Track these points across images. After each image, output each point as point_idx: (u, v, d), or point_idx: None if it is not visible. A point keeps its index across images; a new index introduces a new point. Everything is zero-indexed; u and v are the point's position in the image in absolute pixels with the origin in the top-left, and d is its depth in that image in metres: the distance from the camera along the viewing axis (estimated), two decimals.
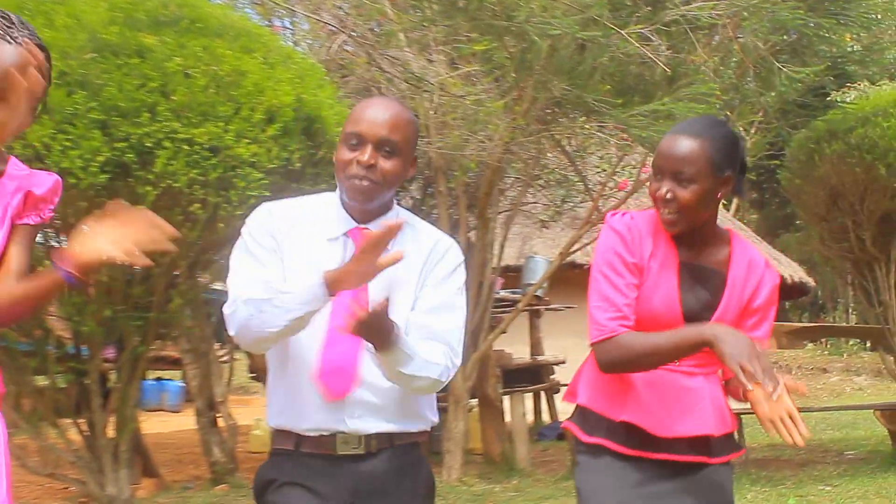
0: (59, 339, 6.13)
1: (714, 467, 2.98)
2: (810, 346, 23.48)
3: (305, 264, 2.70)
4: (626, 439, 2.91)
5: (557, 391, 12.62)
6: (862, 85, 14.71)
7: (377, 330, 2.52)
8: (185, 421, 13.32)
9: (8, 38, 2.35)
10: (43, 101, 2.46)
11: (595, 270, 2.95)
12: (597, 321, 2.89)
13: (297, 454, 2.75)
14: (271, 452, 2.83)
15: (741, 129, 10.34)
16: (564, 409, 10.55)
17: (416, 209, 11.73)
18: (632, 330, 2.86)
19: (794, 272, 19.02)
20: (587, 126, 9.25)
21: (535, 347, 12.47)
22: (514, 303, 10.71)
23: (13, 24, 2.38)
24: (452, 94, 8.06)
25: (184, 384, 15.99)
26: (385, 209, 2.84)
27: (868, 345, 20.70)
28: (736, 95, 8.71)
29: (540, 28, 6.94)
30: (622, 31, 7.03)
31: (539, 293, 11.23)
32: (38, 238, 4.56)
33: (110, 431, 6.23)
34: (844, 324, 25.55)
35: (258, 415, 11.25)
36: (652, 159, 2.96)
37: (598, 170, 11.92)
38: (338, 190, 2.82)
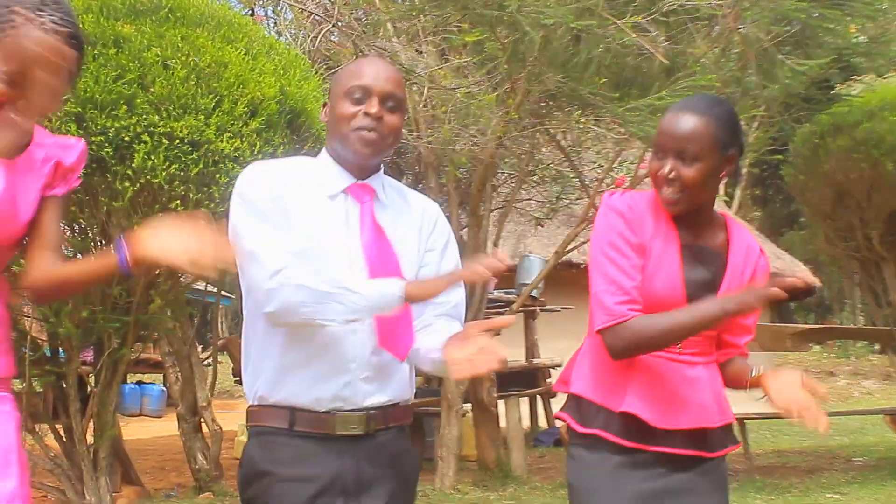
0: (35, 341, 6.11)
1: (712, 463, 2.98)
2: (816, 348, 23.53)
3: (310, 223, 2.71)
4: (624, 431, 2.90)
5: (554, 395, 12.63)
6: (868, 78, 14.74)
7: None
8: (167, 426, 13.33)
9: (35, 20, 2.36)
10: (72, 84, 2.51)
11: (597, 252, 2.94)
12: (606, 306, 2.88)
13: (289, 434, 2.72)
14: (257, 432, 2.78)
15: (743, 123, 10.34)
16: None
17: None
18: (640, 312, 2.86)
19: (800, 272, 19.04)
20: (583, 120, 9.25)
21: (531, 350, 12.47)
22: (509, 304, 10.72)
23: (43, 5, 2.38)
24: (443, 86, 8.07)
25: (165, 388, 16.01)
26: (376, 168, 2.86)
27: (876, 347, 20.76)
28: (737, 88, 8.71)
29: (533, 18, 6.94)
30: (619, 22, 7.04)
31: (534, 294, 11.24)
32: None
33: (89, 437, 6.21)
34: (852, 325, 25.58)
35: (243, 420, 11.25)
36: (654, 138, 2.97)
37: (595, 165, 11.93)
38: (326, 151, 2.85)
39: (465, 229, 10.16)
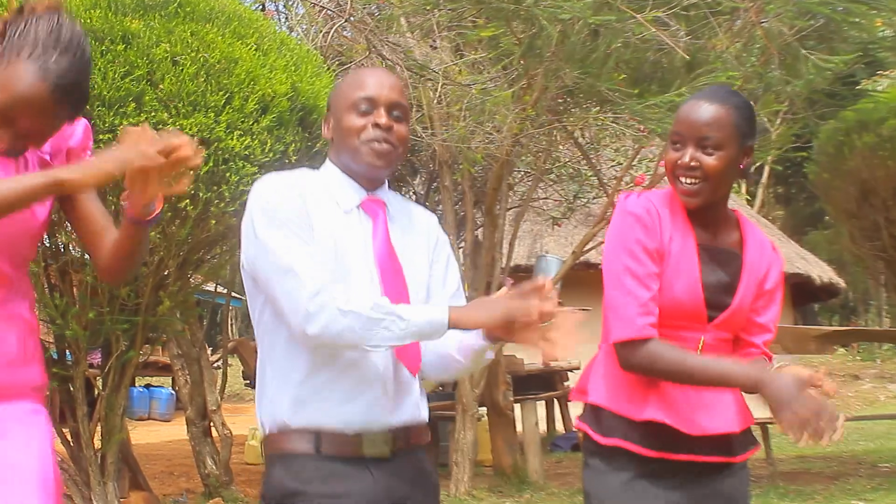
0: (42, 343, 6.13)
1: (735, 469, 2.97)
2: (841, 351, 23.47)
3: (332, 238, 2.71)
4: (646, 440, 2.88)
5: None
6: (894, 73, 14.70)
7: None
8: (176, 430, 13.38)
9: (38, 60, 2.39)
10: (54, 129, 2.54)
11: (613, 259, 2.93)
12: (622, 317, 2.87)
13: (316, 457, 2.70)
14: (281, 456, 2.76)
15: (765, 119, 10.32)
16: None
17: (419, 204, 11.75)
18: (656, 326, 2.85)
19: (823, 272, 19.00)
20: (601, 117, 9.24)
21: None
22: None
23: (54, 48, 2.41)
24: (458, 82, 8.07)
25: (174, 391, 16.06)
26: (382, 180, 2.87)
27: None
28: (760, 84, 8.68)
29: (550, 12, 6.93)
30: (638, 16, 7.01)
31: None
32: None
33: (97, 442, 6.23)
34: (877, 327, 25.51)
35: (254, 424, 11.27)
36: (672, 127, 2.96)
37: (613, 163, 11.92)
38: (332, 164, 2.85)
39: (481, 229, 10.16)
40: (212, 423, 9.19)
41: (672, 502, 2.91)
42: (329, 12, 8.98)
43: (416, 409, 2.84)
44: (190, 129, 5.32)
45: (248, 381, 13.91)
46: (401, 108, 2.80)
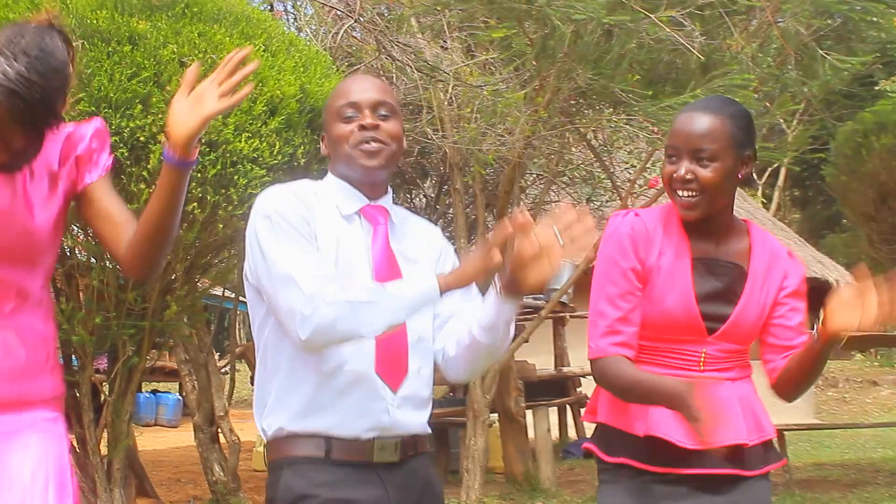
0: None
1: (751, 482, 2.95)
2: (859, 356, 23.40)
3: (334, 246, 2.74)
4: (651, 456, 2.89)
5: (584, 405, 12.59)
6: None
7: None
8: (183, 437, 13.39)
9: None
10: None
11: (593, 281, 3.01)
12: (591, 338, 2.96)
13: (326, 462, 2.72)
14: (289, 462, 2.77)
15: (781, 121, 10.30)
16: (591, 425, 10.49)
17: (430, 208, 11.75)
18: (627, 344, 2.89)
19: (841, 276, 18.94)
20: (614, 118, 9.22)
21: (560, 358, 12.45)
22: (537, 310, 10.69)
23: (14, 49, 2.38)
24: (469, 84, 8.07)
25: (181, 397, 16.08)
26: (386, 188, 2.92)
27: None
28: (776, 85, 8.67)
29: (563, 12, 6.93)
30: (652, 16, 7.01)
31: (564, 299, 11.23)
32: None
33: (103, 448, 6.24)
34: None
35: None
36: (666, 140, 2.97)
37: (627, 166, 11.91)
38: (331, 175, 2.90)
39: (492, 232, 10.15)
40: (219, 430, 9.20)
41: None
42: (338, 13, 8.98)
43: (424, 415, 2.86)
44: None
45: None
46: (386, 105, 2.84)
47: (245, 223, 2.82)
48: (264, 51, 5.84)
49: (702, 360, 2.91)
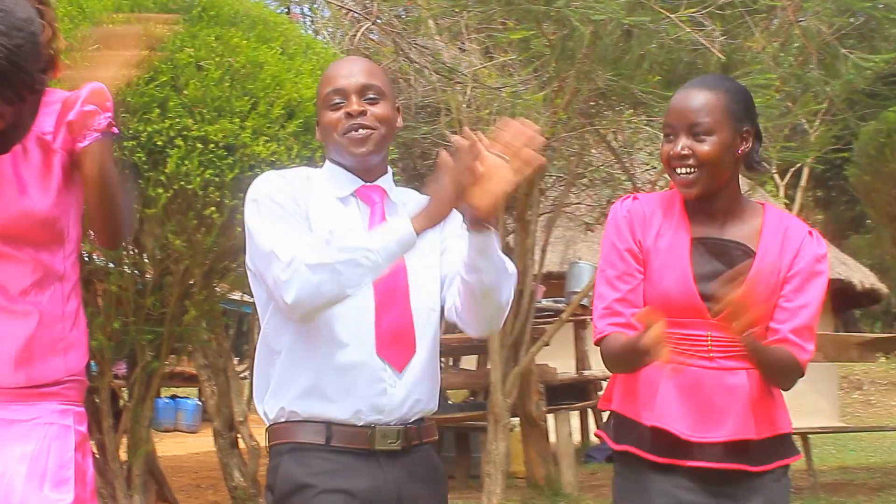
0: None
1: (761, 480, 2.91)
2: (883, 359, 23.27)
3: (327, 226, 2.76)
4: (655, 446, 2.89)
5: None
6: None
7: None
8: (203, 442, 13.41)
9: None
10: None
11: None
12: (593, 320, 2.99)
13: (326, 449, 2.73)
14: (290, 448, 2.77)
15: (804, 121, 10.26)
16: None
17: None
18: (627, 325, 2.89)
19: (865, 278, 18.87)
20: (634, 119, 9.21)
21: (581, 361, 12.43)
22: (558, 313, 10.69)
23: None
24: (487, 85, 8.05)
25: (200, 402, 16.09)
26: (384, 169, 2.92)
27: None
28: (798, 84, 8.64)
29: (582, 13, 6.92)
30: (672, 16, 7.00)
31: (584, 302, 11.19)
32: None
33: (122, 454, 6.26)
34: None
35: None
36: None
37: (647, 167, 11.86)
38: (328, 159, 2.92)
39: (512, 235, 10.14)
40: (239, 435, 9.21)
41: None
42: (355, 14, 8.98)
43: (429, 401, 2.85)
44: (215, 135, 5.34)
45: None
46: (373, 88, 2.83)
47: (251, 192, 2.86)
48: (281, 54, 5.85)
49: (709, 345, 2.88)
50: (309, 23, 10.94)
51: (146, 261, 5.82)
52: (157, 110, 5.27)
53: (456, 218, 2.90)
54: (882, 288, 19.41)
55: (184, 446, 14.83)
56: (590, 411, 13.26)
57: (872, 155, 9.85)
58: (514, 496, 9.59)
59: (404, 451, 2.77)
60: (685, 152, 2.84)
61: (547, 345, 9.60)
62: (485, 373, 10.31)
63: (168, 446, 13.96)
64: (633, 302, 2.93)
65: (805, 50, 8.13)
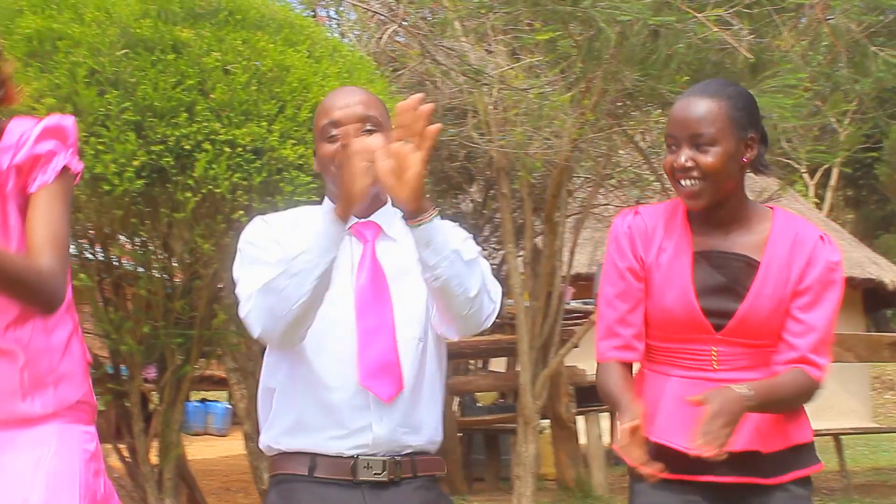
0: (97, 358, 6.19)
1: (776, 491, 2.86)
2: None
3: None
4: (662, 462, 2.81)
5: None
6: None
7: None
8: (233, 445, 13.45)
9: None
10: None
11: None
12: (596, 341, 2.99)
13: (309, 481, 2.75)
14: (277, 480, 2.83)
15: (833, 120, 10.21)
16: None
17: (477, 213, 11.74)
18: (626, 346, 2.90)
19: None
20: (662, 120, 9.16)
21: None
22: (587, 314, 10.66)
23: None
24: (514, 87, 8.04)
25: (230, 406, 16.13)
26: (382, 200, 2.90)
27: None
28: (827, 83, 8.59)
29: (608, 13, 6.90)
30: (699, 15, 6.97)
31: None
32: (71, 249, 4.61)
33: (153, 457, 6.28)
34: None
35: None
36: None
37: None
38: (326, 194, 2.93)
39: (540, 237, 10.12)
40: None
41: None
42: (381, 17, 8.99)
43: (427, 435, 2.84)
44: (243, 139, 5.34)
45: None
46: (370, 119, 2.82)
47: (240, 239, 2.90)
48: (308, 57, 5.85)
49: (714, 358, 2.85)
50: (335, 26, 10.95)
51: (175, 265, 5.83)
52: (185, 114, 5.27)
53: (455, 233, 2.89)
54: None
55: (214, 450, 14.87)
56: None
57: None
58: (545, 498, 9.58)
59: (393, 484, 2.75)
60: (689, 164, 2.79)
61: (576, 346, 9.57)
62: (514, 375, 10.31)
63: (198, 450, 14.00)
64: (631, 322, 2.91)
65: (834, 48, 8.10)
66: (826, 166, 23.58)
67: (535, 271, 9.91)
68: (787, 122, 7.72)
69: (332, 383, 2.74)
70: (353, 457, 2.73)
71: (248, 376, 9.19)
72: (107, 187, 5.03)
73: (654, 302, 2.89)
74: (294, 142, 5.52)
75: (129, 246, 5.81)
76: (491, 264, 13.18)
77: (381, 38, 8.99)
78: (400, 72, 8.97)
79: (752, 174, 3.02)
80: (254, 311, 2.66)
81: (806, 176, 17.90)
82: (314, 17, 10.02)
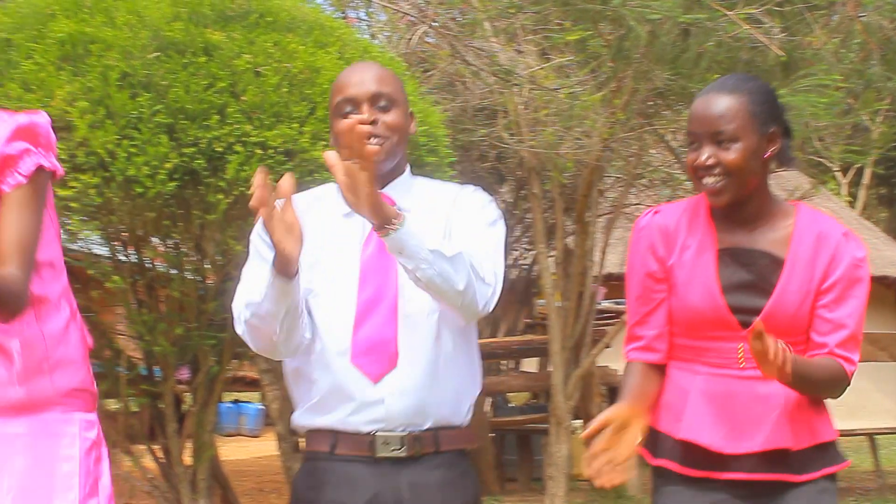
0: (130, 359, 6.22)
1: (803, 489, 2.84)
2: None
3: (319, 240, 2.80)
4: (688, 459, 2.84)
5: None
6: None
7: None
8: (266, 446, 13.50)
9: None
10: None
11: None
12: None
13: (332, 458, 2.78)
14: (305, 458, 2.90)
15: (865, 118, 10.13)
16: None
17: (508, 213, 11.73)
18: (648, 347, 2.93)
19: None
20: None
21: None
22: (619, 314, 10.62)
23: None
24: (545, 87, 8.03)
25: (263, 407, 16.19)
26: (398, 171, 2.90)
27: None
28: (859, 81, 8.53)
29: (638, 12, 6.88)
30: (730, 13, 6.94)
31: None
32: (104, 251, 4.64)
33: (187, 458, 6.30)
34: None
35: None
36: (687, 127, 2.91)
37: None
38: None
39: (571, 237, 10.11)
40: (301, 439, 9.24)
41: None
42: (411, 18, 9.00)
43: (449, 410, 2.83)
44: (274, 141, 5.35)
45: None
46: (384, 97, 2.82)
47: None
48: (339, 58, 5.85)
49: (741, 356, 2.83)
50: (365, 27, 10.97)
51: (207, 266, 5.85)
52: (217, 117, 5.28)
53: (465, 201, 2.90)
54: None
55: (247, 450, 14.94)
56: None
57: None
58: (577, 499, 9.56)
59: (413, 459, 2.76)
60: (710, 162, 2.78)
61: (608, 346, 9.55)
62: (546, 375, 10.29)
63: (231, 451, 14.06)
64: (652, 324, 2.93)
65: (866, 45, 8.03)
66: (858, 165, 23.44)
67: (567, 271, 9.90)
68: (819, 120, 7.68)
69: (335, 362, 2.78)
70: (370, 433, 2.75)
71: (281, 377, 9.20)
72: (139, 190, 5.05)
73: (680, 300, 2.89)
74: (325, 143, 5.52)
75: (161, 248, 5.83)
76: (522, 265, 13.18)
77: (411, 39, 9.00)
78: (430, 73, 8.98)
79: (781, 171, 3.01)
80: (244, 333, 2.77)
81: (839, 174, 17.74)
82: (344, 18, 10.04)
